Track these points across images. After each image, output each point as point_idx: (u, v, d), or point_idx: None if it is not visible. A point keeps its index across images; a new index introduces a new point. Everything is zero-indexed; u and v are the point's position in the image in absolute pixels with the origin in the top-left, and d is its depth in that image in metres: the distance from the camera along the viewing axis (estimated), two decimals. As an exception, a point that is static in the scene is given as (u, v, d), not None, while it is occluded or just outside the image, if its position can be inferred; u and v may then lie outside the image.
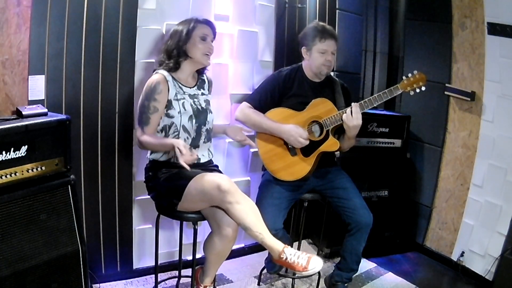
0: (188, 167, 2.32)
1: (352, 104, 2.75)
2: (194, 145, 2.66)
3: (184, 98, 2.63)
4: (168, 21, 3.02)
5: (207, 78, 2.85)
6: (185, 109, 2.61)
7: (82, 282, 2.58)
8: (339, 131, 2.95)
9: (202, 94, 2.75)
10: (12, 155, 2.27)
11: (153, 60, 3.00)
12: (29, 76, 2.61)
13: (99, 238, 3.03)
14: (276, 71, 3.06)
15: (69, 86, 2.76)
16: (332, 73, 3.04)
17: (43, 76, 2.66)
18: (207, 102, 2.75)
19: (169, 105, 2.58)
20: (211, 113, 2.75)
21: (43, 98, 2.67)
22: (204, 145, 2.72)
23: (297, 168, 2.83)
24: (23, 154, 2.31)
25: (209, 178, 2.40)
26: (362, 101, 2.76)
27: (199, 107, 2.68)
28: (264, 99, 2.91)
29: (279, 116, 2.87)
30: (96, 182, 2.96)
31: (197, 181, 2.41)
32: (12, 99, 2.59)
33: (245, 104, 2.94)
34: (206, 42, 2.65)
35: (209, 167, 2.73)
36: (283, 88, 2.92)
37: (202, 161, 2.70)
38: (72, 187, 2.52)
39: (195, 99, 2.69)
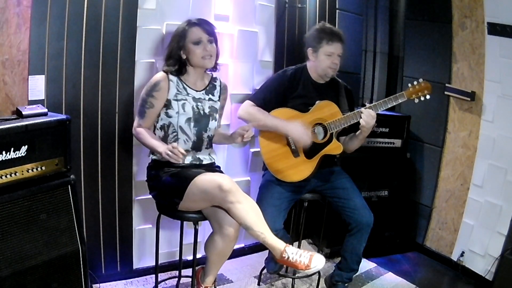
0: (181, 157, 2.38)
1: (364, 109, 2.76)
2: (197, 149, 2.67)
3: (186, 100, 2.62)
4: (168, 21, 3.02)
5: (220, 84, 2.80)
6: (184, 110, 2.60)
7: (82, 282, 2.58)
8: (342, 133, 2.96)
9: (210, 99, 2.72)
10: (12, 155, 2.27)
11: (153, 60, 3.01)
12: (29, 76, 2.61)
13: (99, 238, 3.03)
14: (281, 70, 3.04)
15: (69, 86, 2.76)
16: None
17: (43, 76, 2.65)
18: (212, 108, 2.72)
19: (168, 104, 2.59)
20: (215, 120, 2.71)
21: (43, 98, 2.67)
22: (206, 150, 2.74)
23: (299, 170, 2.83)
24: (23, 154, 2.31)
25: (211, 177, 2.41)
26: (368, 105, 2.79)
27: (201, 112, 2.66)
28: (268, 98, 2.90)
29: (283, 117, 2.85)
30: (96, 182, 2.95)
31: (198, 181, 2.42)
32: (12, 99, 2.59)
33: (248, 102, 2.92)
34: (201, 44, 2.59)
35: (211, 168, 2.74)
36: (288, 88, 2.91)
37: (204, 162, 2.71)
38: (72, 187, 2.52)
39: (199, 103, 2.66)
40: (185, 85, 2.65)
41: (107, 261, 3.09)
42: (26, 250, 2.33)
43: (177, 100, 2.60)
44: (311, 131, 2.85)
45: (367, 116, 2.74)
